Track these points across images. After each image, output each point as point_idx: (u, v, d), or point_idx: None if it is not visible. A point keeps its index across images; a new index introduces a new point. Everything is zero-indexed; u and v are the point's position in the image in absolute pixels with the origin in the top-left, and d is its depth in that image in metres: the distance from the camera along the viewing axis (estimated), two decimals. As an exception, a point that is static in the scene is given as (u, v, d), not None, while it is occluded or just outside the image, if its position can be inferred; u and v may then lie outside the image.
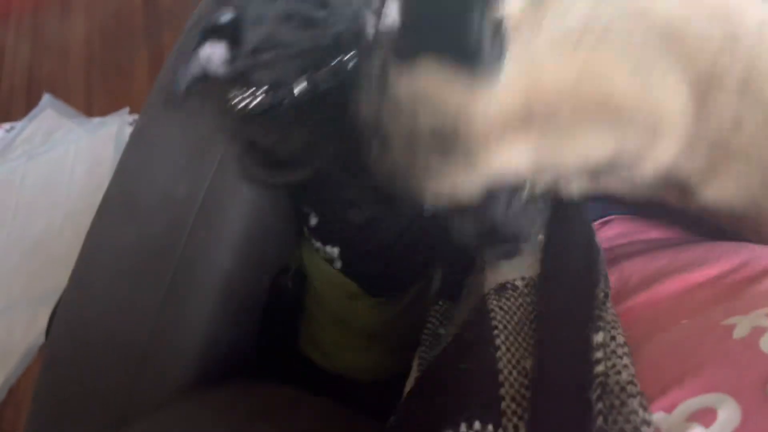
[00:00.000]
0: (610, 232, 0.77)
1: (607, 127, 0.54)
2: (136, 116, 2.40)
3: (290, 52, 0.75)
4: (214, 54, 0.75)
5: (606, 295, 0.51)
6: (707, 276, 0.56)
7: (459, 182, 0.57)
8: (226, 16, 0.73)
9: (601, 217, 0.79)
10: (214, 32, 0.74)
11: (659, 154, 0.57)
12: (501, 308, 0.56)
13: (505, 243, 0.61)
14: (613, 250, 0.71)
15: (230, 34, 0.74)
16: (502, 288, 0.59)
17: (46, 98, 2.63)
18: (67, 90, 2.74)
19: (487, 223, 0.60)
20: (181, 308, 0.86)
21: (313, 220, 0.96)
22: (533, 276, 0.60)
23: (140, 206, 0.91)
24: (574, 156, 0.57)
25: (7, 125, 2.62)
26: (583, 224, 0.64)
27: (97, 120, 2.46)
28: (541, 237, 0.63)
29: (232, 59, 0.75)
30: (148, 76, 2.56)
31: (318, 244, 0.97)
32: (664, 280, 0.57)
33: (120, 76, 2.65)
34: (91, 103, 2.64)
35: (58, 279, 2.09)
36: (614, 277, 0.62)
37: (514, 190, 0.60)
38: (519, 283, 0.59)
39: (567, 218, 0.64)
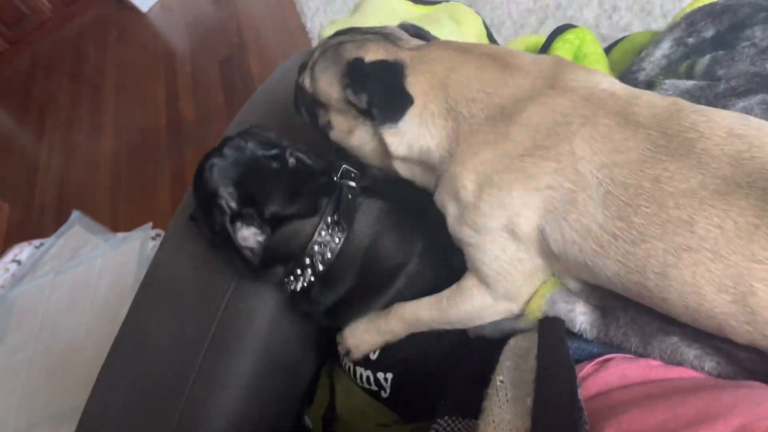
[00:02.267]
0: (608, 375, 0.78)
1: None
2: (158, 231, 2.50)
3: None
4: (248, 236, 0.89)
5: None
6: None
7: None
8: (230, 195, 0.88)
9: (600, 355, 0.81)
10: (237, 218, 0.88)
11: None
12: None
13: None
14: (611, 395, 0.73)
15: (252, 216, 0.88)
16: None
17: (75, 215, 2.76)
18: (94, 205, 2.88)
19: None
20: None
21: (374, 354, 1.01)
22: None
23: (152, 346, 0.97)
24: None
25: (36, 242, 2.74)
26: (568, 383, 0.67)
27: (121, 235, 2.57)
28: (528, 400, 0.67)
29: (264, 239, 0.89)
30: (170, 192, 2.69)
31: (368, 374, 1.01)
32: None
33: (144, 192, 2.78)
34: (117, 218, 2.77)
35: (80, 397, 2.13)
36: (612, 430, 0.64)
37: None
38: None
39: (552, 376, 0.68)
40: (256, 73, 2.91)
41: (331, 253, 0.91)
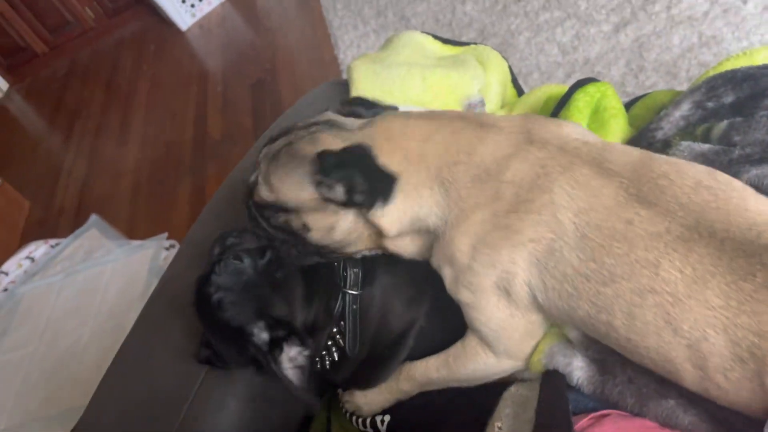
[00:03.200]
0: (603, 432, 0.78)
1: None
2: (173, 242, 2.53)
3: None
4: (296, 356, 0.89)
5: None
6: None
7: None
8: (260, 329, 0.88)
9: (596, 410, 0.81)
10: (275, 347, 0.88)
11: None
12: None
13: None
14: None
15: (289, 338, 0.88)
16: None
17: (93, 218, 2.80)
18: (113, 211, 2.93)
19: None
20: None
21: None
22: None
23: (154, 361, 0.98)
24: None
25: (53, 241, 2.78)
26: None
27: (136, 243, 2.60)
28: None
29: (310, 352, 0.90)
30: (189, 206, 2.73)
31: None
32: None
33: (163, 203, 2.83)
34: (134, 226, 2.81)
35: (76, 400, 2.14)
36: None
37: None
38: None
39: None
40: (285, 100, 2.97)
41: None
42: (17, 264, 2.70)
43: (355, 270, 0.97)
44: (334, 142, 0.84)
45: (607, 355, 0.80)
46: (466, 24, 2.68)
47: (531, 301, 0.77)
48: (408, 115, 0.87)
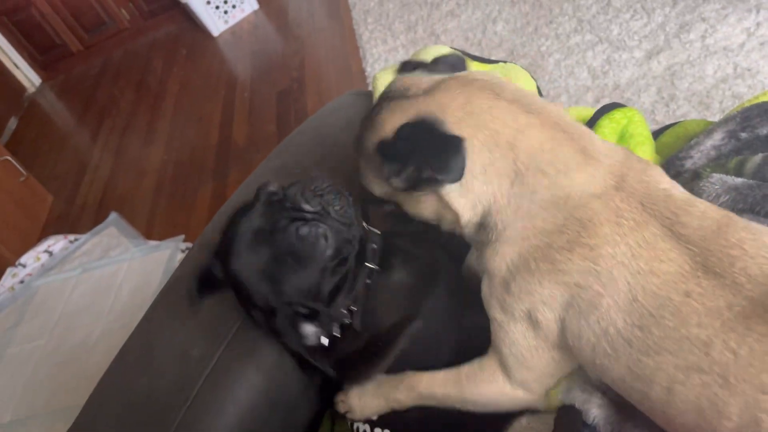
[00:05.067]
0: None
1: None
2: (189, 244, 2.53)
3: None
4: (310, 334, 0.89)
5: None
6: None
7: None
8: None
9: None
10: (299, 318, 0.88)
11: None
12: None
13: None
14: None
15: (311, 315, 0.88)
16: None
17: (112, 216, 2.82)
18: (133, 210, 2.94)
19: None
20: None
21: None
22: None
23: (155, 362, 0.96)
24: None
25: (72, 237, 2.80)
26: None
27: (153, 243, 2.61)
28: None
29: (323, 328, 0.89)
30: (208, 210, 2.73)
31: (365, 427, 0.99)
32: None
33: (183, 205, 2.83)
34: (153, 226, 2.82)
35: (81, 395, 2.13)
36: None
37: None
38: None
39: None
40: (310, 109, 2.97)
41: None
42: (36, 257, 2.72)
43: (374, 246, 0.95)
44: (393, 120, 0.77)
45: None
46: (496, 44, 2.67)
47: (560, 340, 0.74)
48: (496, 92, 0.77)
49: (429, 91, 0.78)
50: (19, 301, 2.58)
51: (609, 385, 0.73)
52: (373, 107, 0.84)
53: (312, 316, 0.87)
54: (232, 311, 0.97)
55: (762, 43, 2.07)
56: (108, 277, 2.52)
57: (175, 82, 3.89)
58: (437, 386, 0.87)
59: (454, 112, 0.75)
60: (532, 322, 0.75)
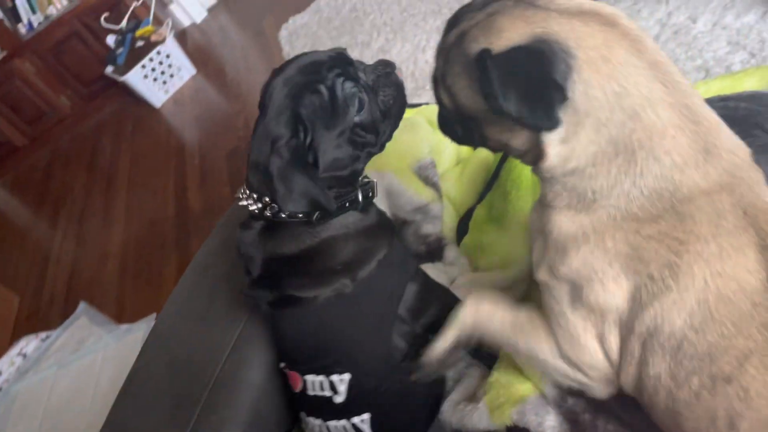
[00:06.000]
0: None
1: None
2: (162, 321, 2.51)
3: None
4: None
5: None
6: None
7: None
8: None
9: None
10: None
11: None
12: None
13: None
14: None
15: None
16: None
17: (81, 306, 2.79)
18: (102, 296, 2.91)
19: None
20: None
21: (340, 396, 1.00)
22: None
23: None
24: None
25: (43, 334, 2.76)
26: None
27: (125, 327, 2.58)
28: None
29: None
30: (175, 283, 2.71)
31: (342, 423, 0.99)
32: None
33: (150, 282, 2.82)
34: (123, 309, 2.79)
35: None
36: None
37: None
38: None
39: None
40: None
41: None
42: (10, 362, 2.68)
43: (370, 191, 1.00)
44: (511, 30, 0.66)
45: (581, 414, 0.79)
46: (428, 72, 2.72)
47: (609, 323, 0.71)
48: (639, 48, 0.67)
49: (566, 12, 0.67)
50: (0, 409, 2.53)
51: (629, 378, 0.71)
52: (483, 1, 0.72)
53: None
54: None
55: (675, 32, 2.15)
56: (85, 369, 2.49)
57: (125, 159, 3.89)
58: (496, 320, 0.84)
59: (589, 51, 0.65)
60: (580, 297, 0.72)
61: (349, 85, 0.90)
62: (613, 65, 0.65)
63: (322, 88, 0.89)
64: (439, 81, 0.78)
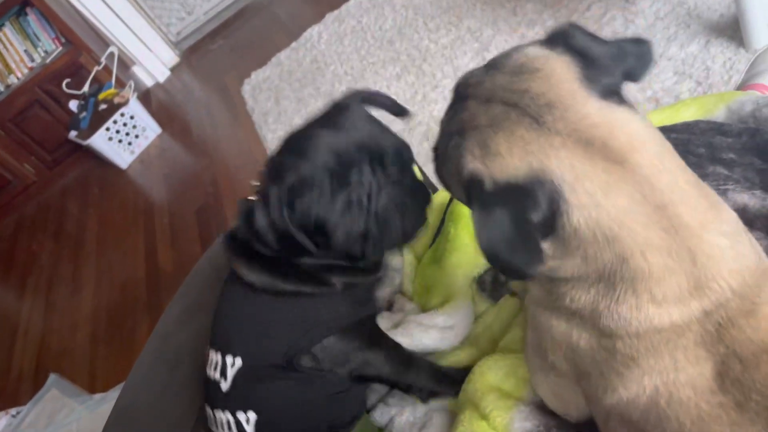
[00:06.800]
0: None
1: None
2: (136, 388, 2.45)
3: None
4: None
5: None
6: None
7: None
8: None
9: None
10: None
11: None
12: None
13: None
14: None
15: None
16: None
17: (52, 378, 2.70)
18: (73, 366, 2.84)
19: None
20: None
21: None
22: None
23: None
24: None
25: (13, 410, 2.66)
26: None
27: (98, 396, 2.51)
28: None
29: None
30: (148, 347, 2.66)
31: (227, 416, 0.98)
32: None
33: (122, 348, 2.76)
34: (95, 378, 2.72)
35: None
36: None
37: None
38: None
39: None
40: (230, 220, 2.98)
41: None
42: (-22, 442, 2.57)
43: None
44: (512, 153, 0.62)
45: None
46: (390, 120, 2.76)
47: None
48: (646, 192, 0.61)
49: (571, 137, 0.61)
50: (-30, 494, 2.42)
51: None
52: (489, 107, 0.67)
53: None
54: None
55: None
56: (59, 444, 2.40)
57: (93, 223, 3.84)
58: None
59: (583, 197, 0.61)
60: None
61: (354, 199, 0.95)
62: (607, 212, 0.61)
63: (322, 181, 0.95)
64: (437, 159, 0.78)
